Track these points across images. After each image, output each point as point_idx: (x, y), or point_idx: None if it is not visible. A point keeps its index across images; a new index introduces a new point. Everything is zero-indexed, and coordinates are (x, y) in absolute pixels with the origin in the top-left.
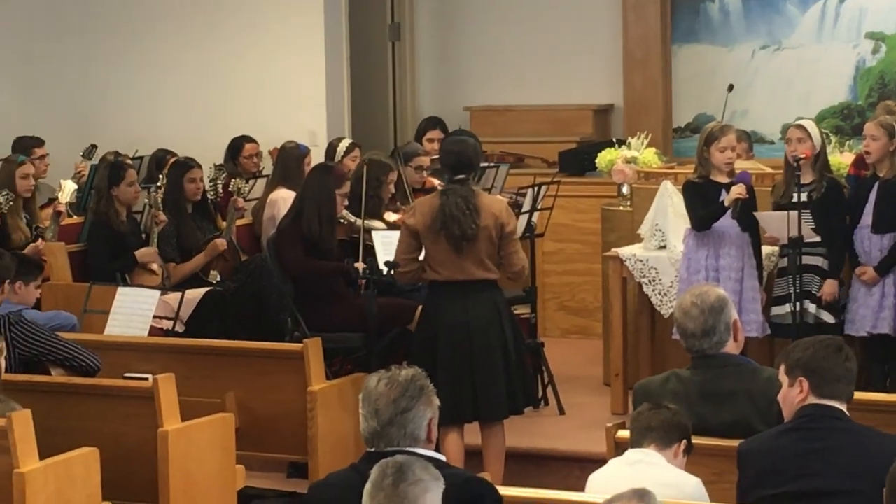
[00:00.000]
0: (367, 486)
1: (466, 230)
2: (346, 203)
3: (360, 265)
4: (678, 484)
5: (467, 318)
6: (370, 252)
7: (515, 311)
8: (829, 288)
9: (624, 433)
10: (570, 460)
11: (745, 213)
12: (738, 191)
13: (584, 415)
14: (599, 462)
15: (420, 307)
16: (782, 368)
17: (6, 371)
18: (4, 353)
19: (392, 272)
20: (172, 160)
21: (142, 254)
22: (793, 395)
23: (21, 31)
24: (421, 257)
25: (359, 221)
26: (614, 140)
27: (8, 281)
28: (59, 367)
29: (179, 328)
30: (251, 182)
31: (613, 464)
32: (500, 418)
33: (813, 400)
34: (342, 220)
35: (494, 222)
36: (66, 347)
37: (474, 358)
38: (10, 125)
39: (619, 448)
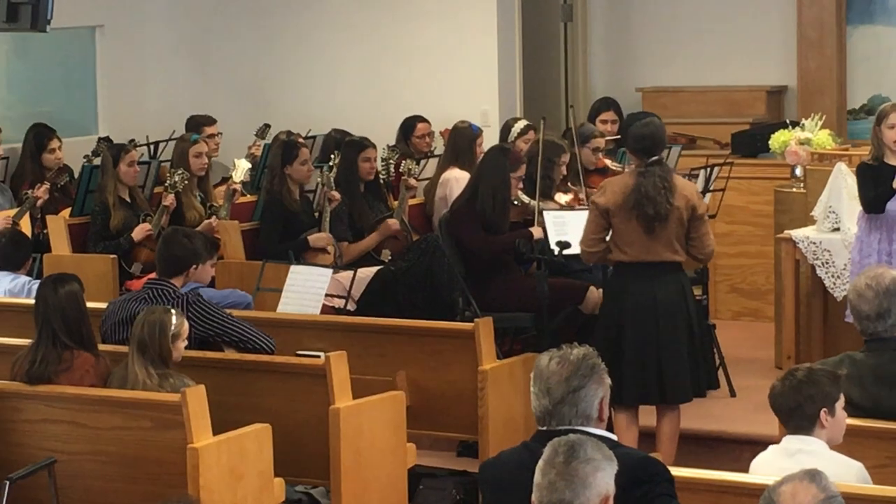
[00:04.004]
0: (540, 464)
1: (660, 209)
2: (521, 186)
3: (536, 230)
4: (839, 474)
5: (654, 299)
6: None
7: None
8: None
9: None
10: (741, 443)
11: None
12: None
13: (756, 397)
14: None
15: (590, 287)
16: None
17: None
18: (187, 332)
19: (562, 252)
20: (347, 140)
21: (315, 239)
22: None
23: (198, 11)
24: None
25: (533, 203)
26: (788, 121)
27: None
28: (232, 347)
29: (351, 306)
30: (423, 162)
31: (773, 451)
32: (685, 401)
33: None
34: (516, 203)
35: (686, 204)
36: (242, 329)
37: (661, 340)
38: (187, 104)
39: None
